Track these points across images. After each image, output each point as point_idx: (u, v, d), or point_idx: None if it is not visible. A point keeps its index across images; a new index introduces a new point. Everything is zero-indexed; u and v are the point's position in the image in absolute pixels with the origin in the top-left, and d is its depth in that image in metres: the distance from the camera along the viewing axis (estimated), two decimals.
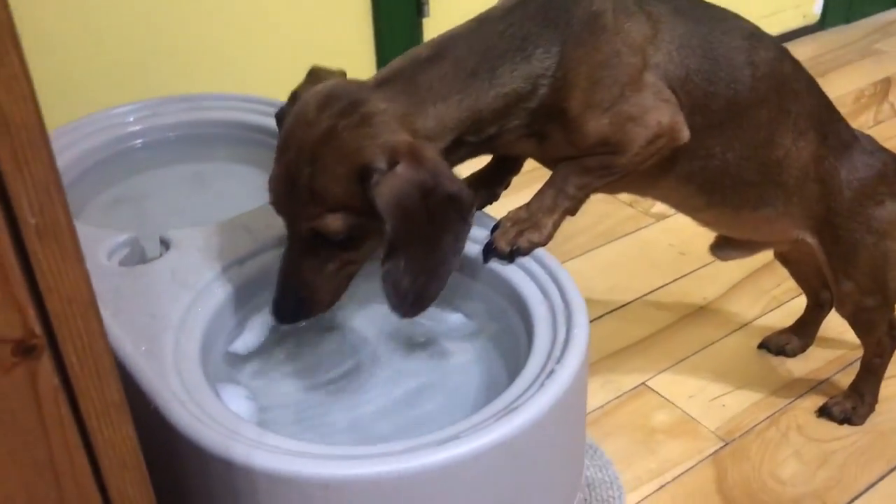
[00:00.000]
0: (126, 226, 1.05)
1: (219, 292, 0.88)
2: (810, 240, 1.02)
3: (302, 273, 0.82)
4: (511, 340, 0.89)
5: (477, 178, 0.97)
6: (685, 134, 0.87)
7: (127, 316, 0.84)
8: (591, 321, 1.35)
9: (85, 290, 0.40)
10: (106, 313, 0.82)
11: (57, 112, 1.23)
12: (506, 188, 0.99)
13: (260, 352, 0.90)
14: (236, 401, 0.83)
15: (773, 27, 2.25)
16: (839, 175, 0.99)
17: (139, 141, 1.18)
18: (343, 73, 0.85)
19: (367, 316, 0.96)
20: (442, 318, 0.94)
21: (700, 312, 1.39)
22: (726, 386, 1.24)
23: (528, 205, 0.91)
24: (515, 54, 0.82)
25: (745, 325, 1.35)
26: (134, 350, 0.79)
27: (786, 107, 0.95)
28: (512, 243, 0.89)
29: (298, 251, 0.82)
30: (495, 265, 0.90)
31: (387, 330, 0.94)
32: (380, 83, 0.81)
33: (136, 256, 0.96)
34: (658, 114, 0.85)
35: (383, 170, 0.76)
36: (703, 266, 1.47)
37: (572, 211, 0.92)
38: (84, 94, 1.29)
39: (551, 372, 0.76)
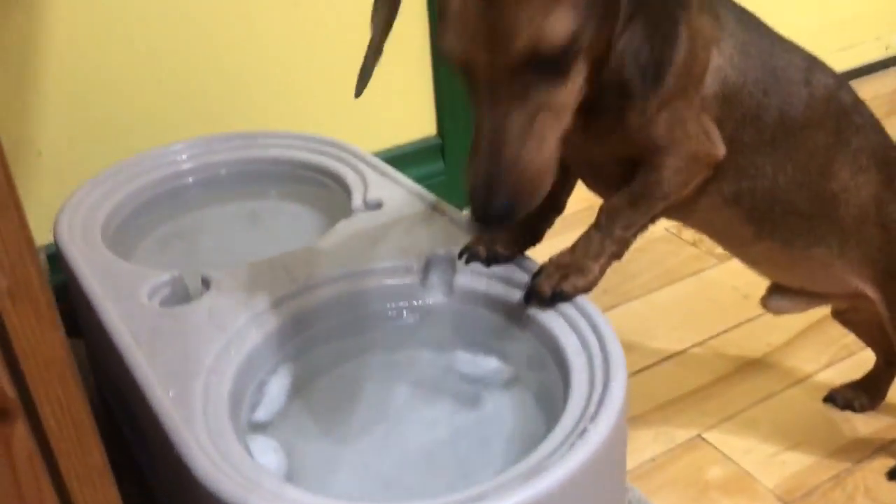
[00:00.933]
0: (176, 262, 1.06)
1: (253, 335, 0.88)
2: (871, 293, 0.96)
3: (510, 133, 0.67)
4: (548, 390, 0.86)
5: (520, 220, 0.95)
6: (720, 151, 0.85)
7: (161, 358, 0.84)
8: (647, 367, 1.32)
9: (62, 355, 0.40)
10: (140, 354, 0.84)
11: (114, 149, 1.26)
12: (549, 227, 0.96)
13: (287, 406, 0.88)
14: (265, 453, 0.82)
15: (850, 60, 2.17)
16: None
17: (191, 179, 1.19)
18: None
19: (397, 363, 0.94)
20: (478, 363, 0.91)
21: (763, 361, 1.32)
22: (787, 441, 1.17)
23: (572, 249, 0.88)
24: None
25: (811, 376, 1.28)
26: (162, 395, 0.79)
27: (845, 137, 0.91)
28: (555, 287, 0.86)
29: (505, 101, 0.67)
30: (535, 311, 0.87)
31: (420, 377, 0.92)
32: None
33: (179, 295, 0.97)
34: (699, 127, 0.83)
35: None
36: (766, 313, 1.40)
37: (619, 255, 0.88)
38: (140, 132, 1.31)
39: (583, 431, 0.73)
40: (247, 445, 0.79)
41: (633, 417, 1.22)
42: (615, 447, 0.76)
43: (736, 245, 0.99)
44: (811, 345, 1.34)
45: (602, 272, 0.87)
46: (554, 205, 0.95)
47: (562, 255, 0.88)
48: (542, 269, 0.88)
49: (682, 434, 1.19)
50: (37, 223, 1.09)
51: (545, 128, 0.69)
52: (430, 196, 1.09)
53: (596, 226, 0.87)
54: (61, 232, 1.06)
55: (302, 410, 0.89)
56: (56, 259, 1.07)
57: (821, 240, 0.94)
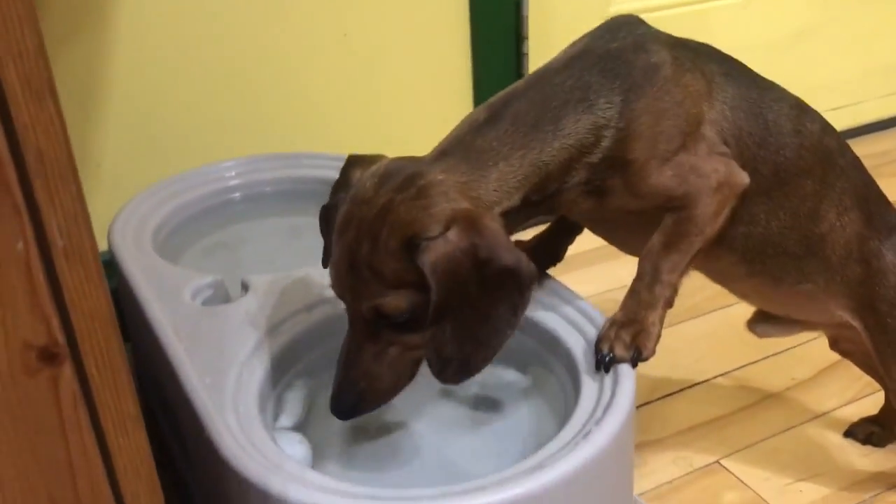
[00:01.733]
0: (219, 269, 1.12)
1: (285, 334, 0.93)
2: (854, 323, 0.99)
3: (363, 362, 0.80)
4: (561, 399, 0.90)
5: (538, 241, 0.99)
6: (744, 179, 0.86)
7: (199, 351, 0.90)
8: (671, 394, 1.34)
9: (106, 310, 0.46)
10: (180, 347, 0.90)
11: (168, 164, 1.34)
12: (568, 246, 1.00)
13: (312, 408, 0.93)
14: (291, 445, 0.86)
15: (893, 107, 2.18)
16: (884, 259, 0.96)
17: (238, 194, 1.27)
18: (383, 157, 0.85)
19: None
20: (497, 374, 0.96)
21: (786, 393, 1.34)
22: (805, 472, 1.18)
23: (623, 307, 0.88)
24: (578, 105, 0.81)
25: (833, 410, 1.29)
26: (198, 382, 0.85)
27: (830, 181, 0.94)
28: (629, 348, 0.85)
29: (360, 337, 0.80)
30: (547, 321, 0.92)
31: (443, 386, 0.96)
32: (438, 156, 0.81)
33: (220, 297, 1.03)
34: (714, 163, 0.84)
35: (435, 236, 0.74)
36: (795, 346, 1.42)
37: (671, 301, 0.89)
38: (192, 149, 1.39)
39: (588, 433, 0.77)
40: (273, 438, 0.84)
41: (654, 441, 1.25)
42: (619, 450, 0.79)
43: (727, 281, 1.01)
44: (836, 380, 1.35)
45: (661, 322, 0.88)
46: (571, 227, 0.99)
47: (615, 316, 0.88)
48: (604, 335, 0.87)
49: (701, 459, 1.21)
50: (95, 231, 1.17)
51: (395, 359, 0.81)
52: None
53: (639, 277, 0.88)
54: (115, 238, 1.13)
55: (326, 412, 0.93)
56: (109, 265, 1.15)
57: (808, 277, 0.96)
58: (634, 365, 0.85)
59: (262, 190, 1.28)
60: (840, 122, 2.20)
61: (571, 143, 0.81)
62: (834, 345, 1.17)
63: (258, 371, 0.88)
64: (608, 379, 0.84)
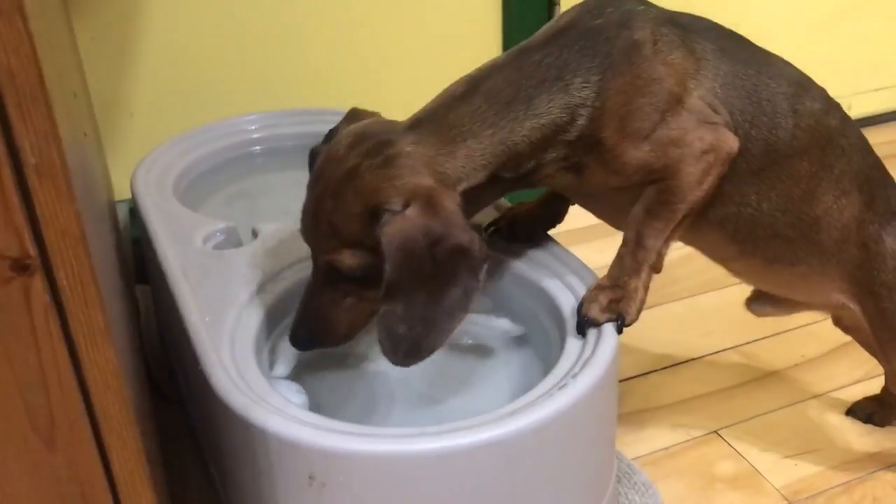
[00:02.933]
0: (236, 217, 1.16)
1: (287, 280, 0.97)
2: (853, 307, 0.98)
3: (321, 304, 0.85)
4: (548, 352, 0.92)
5: (538, 203, 1.00)
6: (732, 144, 0.85)
7: (204, 291, 0.94)
8: (677, 364, 1.35)
9: (76, 227, 0.49)
10: (186, 286, 0.94)
11: (199, 115, 1.38)
12: (567, 210, 1.01)
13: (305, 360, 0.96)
14: (289, 394, 0.89)
15: None
16: (884, 243, 0.95)
17: (259, 147, 1.30)
18: (377, 115, 0.89)
19: None
20: (489, 322, 0.98)
21: (794, 370, 1.34)
22: (803, 447, 1.19)
23: (609, 272, 0.90)
24: (553, 84, 0.82)
25: (839, 389, 1.29)
26: (199, 319, 0.89)
27: (828, 162, 0.92)
28: (606, 311, 0.87)
29: (320, 282, 0.84)
30: (540, 279, 0.94)
31: None
32: (412, 124, 0.82)
33: (231, 243, 1.07)
34: (699, 132, 0.83)
35: (396, 211, 0.77)
36: (808, 324, 1.41)
37: (657, 266, 0.90)
38: (215, 102, 1.43)
39: (563, 386, 0.79)
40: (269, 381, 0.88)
41: (654, 408, 1.26)
42: (592, 405, 0.81)
43: (720, 260, 1.01)
44: (846, 360, 1.35)
45: (646, 288, 0.89)
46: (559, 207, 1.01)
47: (600, 280, 0.90)
48: (587, 298, 0.88)
49: (699, 429, 1.22)
50: (126, 180, 1.22)
51: (349, 307, 0.84)
52: None
53: (624, 243, 0.90)
54: (137, 184, 1.17)
55: (321, 363, 0.97)
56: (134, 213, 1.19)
57: (802, 259, 0.96)
58: (619, 331, 0.86)
59: (283, 144, 1.31)
60: (886, 103, 2.17)
61: (544, 123, 0.82)
62: (837, 322, 1.17)
63: (257, 313, 0.92)
64: (592, 337, 0.85)
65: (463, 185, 0.81)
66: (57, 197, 0.48)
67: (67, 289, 0.50)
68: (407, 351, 0.79)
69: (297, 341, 0.87)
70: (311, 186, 0.84)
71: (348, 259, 0.80)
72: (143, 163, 1.22)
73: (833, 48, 1.99)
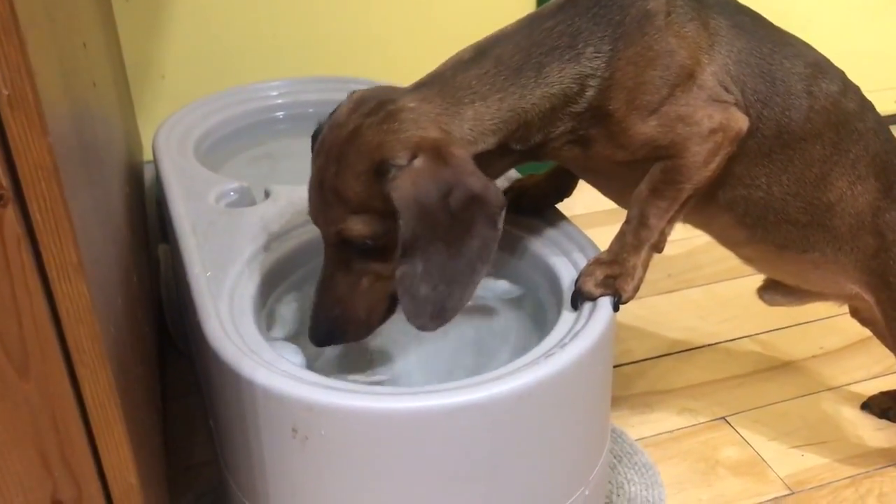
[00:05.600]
0: (254, 178, 1.17)
1: (293, 240, 0.98)
2: (867, 297, 0.95)
3: (337, 289, 0.81)
4: (545, 321, 0.91)
5: (547, 176, 1.00)
6: (742, 125, 0.83)
7: (210, 245, 0.95)
8: (690, 349, 1.33)
9: (48, 160, 0.50)
10: (193, 241, 0.96)
11: (229, 79, 1.40)
12: (575, 185, 1.00)
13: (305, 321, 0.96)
14: (288, 355, 0.90)
15: None
16: None
17: (281, 113, 1.31)
18: None
19: None
20: (488, 284, 0.97)
21: (811, 361, 1.31)
22: (813, 438, 1.17)
23: (609, 248, 0.89)
24: (564, 52, 0.80)
25: (856, 382, 1.26)
26: (200, 273, 0.90)
27: (844, 146, 0.89)
28: (601, 286, 0.85)
29: (332, 265, 0.81)
30: (540, 250, 0.94)
31: None
32: (416, 86, 0.81)
33: (244, 203, 1.08)
34: (708, 110, 0.81)
35: (403, 165, 0.73)
36: (830, 316, 1.38)
37: (658, 246, 0.88)
38: (244, 67, 1.45)
39: (551, 355, 0.78)
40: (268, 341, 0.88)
41: (663, 391, 1.25)
42: (580, 376, 0.80)
43: (730, 244, 0.99)
44: (865, 355, 1.32)
45: (645, 266, 0.87)
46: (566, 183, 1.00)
47: (600, 255, 0.89)
48: (585, 272, 0.87)
49: (708, 414, 1.21)
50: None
51: (366, 288, 0.81)
52: None
53: (627, 221, 0.88)
54: (158, 144, 1.19)
55: None
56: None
57: (814, 246, 0.93)
58: (616, 308, 0.85)
59: (304, 111, 1.32)
60: None
61: (554, 93, 0.80)
62: (854, 313, 1.14)
63: (260, 270, 0.93)
64: (586, 310, 0.85)
65: (472, 150, 0.79)
66: (29, 129, 0.49)
67: (40, 221, 0.51)
68: (433, 313, 0.75)
69: (316, 336, 0.83)
70: (314, 159, 0.81)
71: (358, 226, 0.77)
72: (165, 123, 1.24)
73: (880, 38, 1.93)
